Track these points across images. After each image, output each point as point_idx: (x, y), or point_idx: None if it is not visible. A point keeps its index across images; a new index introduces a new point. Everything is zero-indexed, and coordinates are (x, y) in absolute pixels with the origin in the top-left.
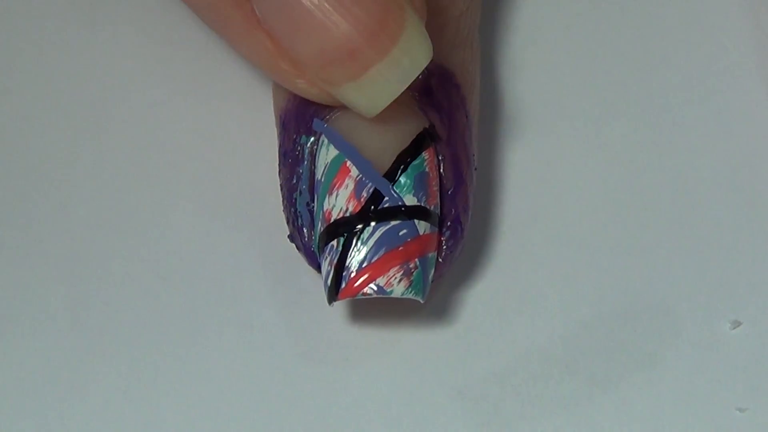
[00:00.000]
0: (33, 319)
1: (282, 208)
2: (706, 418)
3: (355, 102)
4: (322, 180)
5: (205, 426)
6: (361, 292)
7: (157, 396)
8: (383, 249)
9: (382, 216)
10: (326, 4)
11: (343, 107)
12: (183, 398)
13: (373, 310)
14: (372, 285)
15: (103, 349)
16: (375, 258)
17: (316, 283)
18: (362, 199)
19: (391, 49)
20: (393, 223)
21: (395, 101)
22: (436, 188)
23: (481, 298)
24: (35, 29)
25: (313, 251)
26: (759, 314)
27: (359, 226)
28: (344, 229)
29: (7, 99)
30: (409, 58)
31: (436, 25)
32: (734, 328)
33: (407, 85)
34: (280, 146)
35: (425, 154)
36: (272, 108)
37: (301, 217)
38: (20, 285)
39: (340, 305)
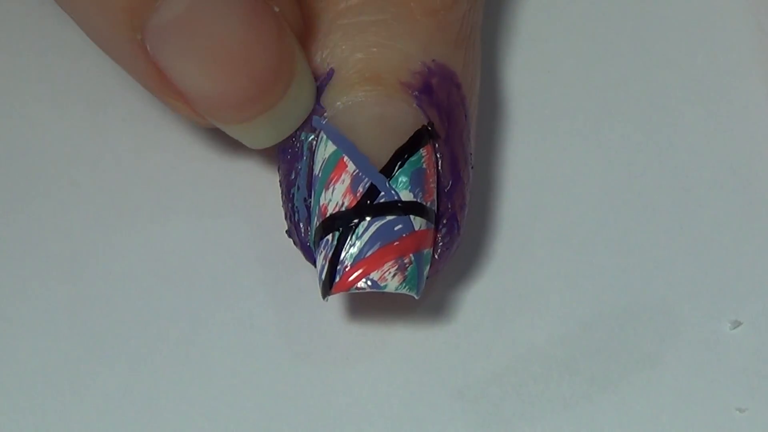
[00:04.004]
0: (33, 319)
1: (281, 203)
2: (706, 418)
3: (239, 138)
4: (319, 175)
5: (204, 425)
6: (355, 287)
7: (156, 396)
8: (378, 244)
9: (378, 211)
10: (223, 54)
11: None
12: (182, 397)
13: (372, 310)
14: (366, 279)
15: (102, 347)
16: (370, 252)
17: (314, 282)
18: (358, 194)
19: (283, 97)
20: (388, 218)
21: (395, 99)
22: (433, 185)
23: (480, 297)
24: (35, 29)
25: (309, 246)
26: (759, 314)
27: (355, 221)
28: (339, 224)
29: (7, 99)
30: (297, 105)
31: (438, 24)
32: (734, 328)
33: (294, 129)
34: (280, 143)
35: (423, 151)
36: None
37: (298, 212)
38: (20, 285)
39: (339, 305)
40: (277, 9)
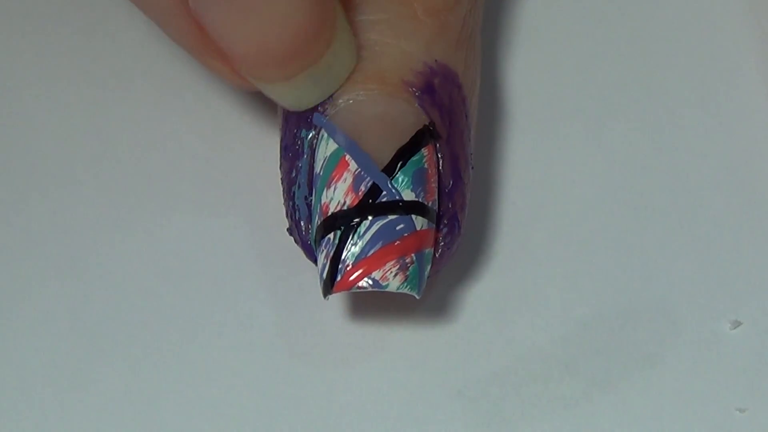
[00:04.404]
0: (33, 319)
1: (282, 202)
2: (706, 418)
3: (281, 99)
4: (321, 173)
5: (204, 425)
6: (356, 286)
7: (156, 396)
8: (379, 243)
9: (380, 210)
10: (265, 8)
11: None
12: (182, 397)
13: (373, 309)
14: (367, 278)
15: (102, 347)
16: (371, 252)
17: (315, 282)
18: (360, 193)
19: (325, 53)
20: (390, 217)
21: (397, 98)
22: (434, 185)
23: (481, 297)
24: (35, 29)
25: (310, 244)
26: (759, 314)
27: (356, 220)
28: (341, 222)
29: (7, 99)
30: (339, 63)
31: (441, 24)
32: (734, 328)
33: (335, 88)
34: (281, 140)
35: (425, 151)
36: (273, 101)
37: (299, 210)
38: (20, 285)
39: (339, 304)
40: None
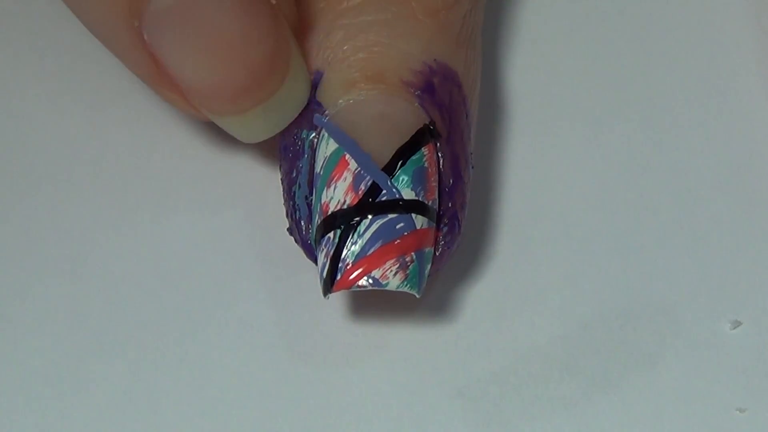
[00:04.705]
0: (33, 319)
1: (282, 202)
2: (706, 418)
3: (232, 131)
4: (321, 173)
5: (204, 425)
6: (356, 284)
7: (156, 396)
8: (380, 242)
9: (380, 209)
10: (220, 44)
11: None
12: (182, 397)
13: (373, 309)
14: (367, 277)
15: (102, 347)
16: (371, 250)
17: (315, 282)
18: (360, 192)
19: (278, 89)
20: (390, 216)
21: (397, 98)
22: (434, 184)
23: (481, 297)
24: (35, 29)
25: (310, 244)
26: (759, 314)
27: (356, 219)
28: (341, 221)
29: (7, 99)
30: (292, 98)
31: (440, 24)
32: (734, 328)
33: (288, 123)
34: (281, 140)
35: (425, 150)
36: None
37: (299, 210)
38: (20, 285)
39: (339, 304)
40: (273, 1)
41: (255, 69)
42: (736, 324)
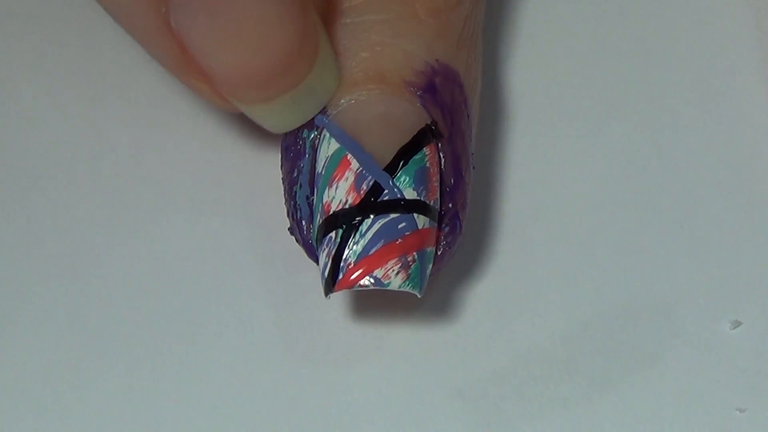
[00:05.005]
0: (33, 319)
1: (284, 202)
2: (706, 418)
3: (262, 120)
4: (323, 173)
5: (204, 425)
6: (357, 284)
7: (156, 396)
8: (381, 241)
9: (381, 209)
10: (248, 29)
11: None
12: (182, 398)
13: (373, 309)
14: (369, 277)
15: (102, 347)
16: (373, 250)
17: (316, 282)
18: (362, 192)
19: (307, 76)
20: (392, 216)
21: (399, 98)
22: (436, 184)
23: (481, 297)
24: (35, 29)
25: (311, 244)
26: (759, 314)
27: (358, 218)
28: (343, 221)
29: (7, 99)
30: (321, 85)
31: (442, 24)
32: (734, 328)
33: (317, 111)
34: (283, 140)
35: (426, 150)
36: None
37: (300, 210)
38: (20, 285)
39: (340, 304)
40: None
41: (283, 55)
42: (736, 324)
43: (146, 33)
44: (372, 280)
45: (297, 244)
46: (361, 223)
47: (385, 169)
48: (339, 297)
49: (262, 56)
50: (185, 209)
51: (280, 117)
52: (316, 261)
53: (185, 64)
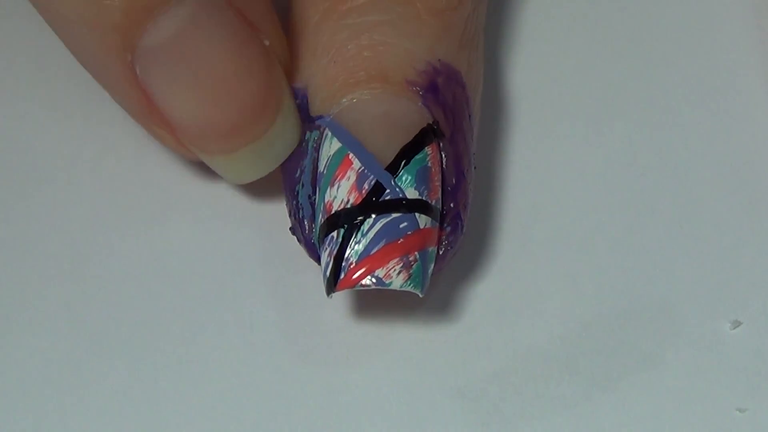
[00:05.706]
0: (33, 319)
1: (285, 201)
2: (706, 418)
3: (222, 171)
4: (325, 172)
5: (204, 425)
6: (359, 284)
7: (156, 396)
8: (383, 241)
9: (383, 208)
10: (213, 81)
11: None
12: (182, 397)
13: (373, 309)
14: (371, 276)
15: (102, 347)
16: (374, 250)
17: (316, 282)
18: (363, 191)
19: (268, 130)
20: (394, 215)
21: (401, 97)
22: (438, 183)
23: (481, 297)
24: (35, 29)
25: (313, 243)
26: (759, 314)
27: (360, 218)
28: (345, 221)
29: (7, 99)
30: (282, 139)
31: (444, 24)
32: (734, 328)
33: (277, 165)
34: None
35: (428, 149)
36: None
37: (302, 209)
38: (20, 285)
39: (340, 304)
40: (267, 42)
41: (246, 108)
42: (736, 324)
43: (111, 79)
44: (374, 280)
45: (298, 243)
46: (362, 222)
47: (386, 169)
48: (340, 297)
49: (224, 108)
50: (186, 209)
51: (240, 169)
52: (318, 260)
53: (149, 112)
